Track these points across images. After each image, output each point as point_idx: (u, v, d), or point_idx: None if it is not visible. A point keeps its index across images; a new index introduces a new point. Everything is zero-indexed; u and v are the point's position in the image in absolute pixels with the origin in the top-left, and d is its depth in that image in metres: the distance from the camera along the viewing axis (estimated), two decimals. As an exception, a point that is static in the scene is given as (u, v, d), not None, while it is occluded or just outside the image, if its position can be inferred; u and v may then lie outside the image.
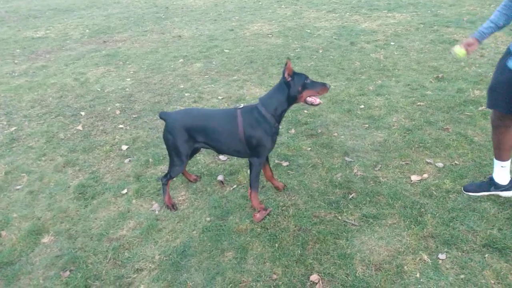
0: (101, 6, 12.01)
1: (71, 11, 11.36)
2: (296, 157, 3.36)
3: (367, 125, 3.84)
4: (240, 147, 2.50)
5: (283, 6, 9.99)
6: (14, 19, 10.68)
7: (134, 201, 2.88)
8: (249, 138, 2.45)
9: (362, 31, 7.13)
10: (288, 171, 3.16)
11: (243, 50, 6.62)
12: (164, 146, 3.59)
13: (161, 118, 2.67)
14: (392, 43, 6.34)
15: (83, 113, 4.47)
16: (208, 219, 2.64)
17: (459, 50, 2.44)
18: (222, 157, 3.41)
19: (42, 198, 3.00)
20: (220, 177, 3.11)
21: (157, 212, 2.75)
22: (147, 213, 2.75)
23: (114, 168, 3.35)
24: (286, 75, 2.40)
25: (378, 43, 6.42)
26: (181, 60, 6.32)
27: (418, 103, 4.19)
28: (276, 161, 3.27)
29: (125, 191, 3.00)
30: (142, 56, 6.65)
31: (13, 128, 4.20)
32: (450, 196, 2.73)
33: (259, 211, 2.62)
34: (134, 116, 4.35)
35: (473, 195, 2.69)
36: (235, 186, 3.01)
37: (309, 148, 3.50)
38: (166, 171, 2.77)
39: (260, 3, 10.62)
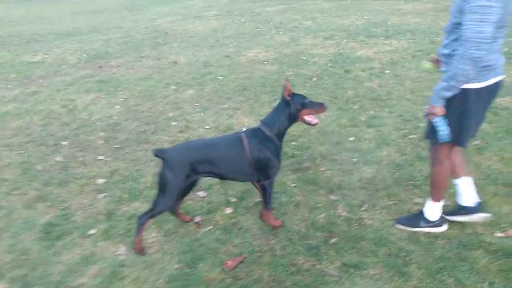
0: (102, 30, 12.14)
1: (72, 36, 11.48)
2: (279, 194, 3.19)
3: (355, 159, 3.67)
4: (247, 170, 2.54)
5: (281, 32, 10.01)
6: (15, 43, 10.80)
7: (101, 243, 2.70)
8: (257, 160, 2.48)
9: (357, 59, 7.05)
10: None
11: (237, 77, 6.54)
12: (142, 180, 3.50)
13: (156, 156, 2.54)
14: (387, 71, 6.24)
15: (65, 143, 4.35)
16: (176, 266, 2.45)
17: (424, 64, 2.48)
18: (201, 193, 3.25)
19: (5, 238, 2.83)
20: (197, 218, 2.92)
21: (123, 256, 2.56)
22: (112, 257, 2.56)
23: (86, 205, 3.18)
24: (285, 95, 2.51)
25: (373, 71, 6.32)
26: (173, 87, 6.25)
27: (410, 136, 4.03)
28: (258, 199, 3.10)
29: (93, 231, 2.82)
30: (135, 83, 6.59)
31: (-8, 158, 4.08)
32: (439, 242, 2.52)
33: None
34: (116, 146, 4.22)
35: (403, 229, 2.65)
36: (211, 227, 2.83)
37: (294, 184, 3.33)
38: (147, 209, 2.57)
39: (258, 29, 10.66)
